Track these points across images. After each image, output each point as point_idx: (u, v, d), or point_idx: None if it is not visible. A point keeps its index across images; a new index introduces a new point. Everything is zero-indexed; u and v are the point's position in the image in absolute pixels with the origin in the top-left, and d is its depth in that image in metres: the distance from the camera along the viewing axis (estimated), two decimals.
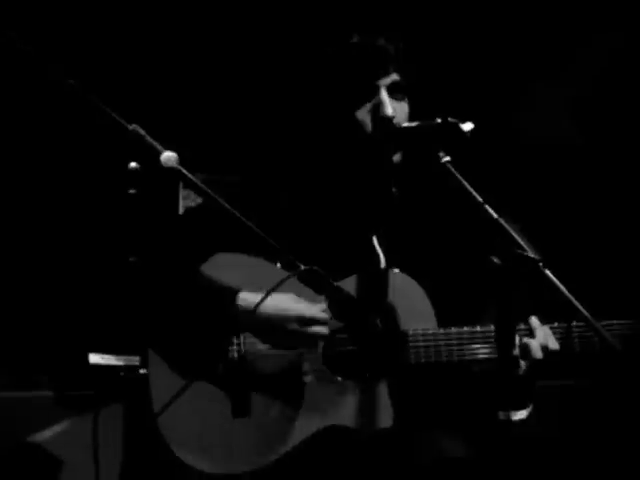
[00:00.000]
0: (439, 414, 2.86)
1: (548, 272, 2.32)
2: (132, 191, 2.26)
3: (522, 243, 2.36)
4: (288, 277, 2.40)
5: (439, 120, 2.56)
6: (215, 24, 4.07)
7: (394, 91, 2.84)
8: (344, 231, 2.90)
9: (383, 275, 2.84)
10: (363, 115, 2.83)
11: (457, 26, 4.26)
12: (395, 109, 2.81)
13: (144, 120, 2.29)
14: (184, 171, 2.25)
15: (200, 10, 4.06)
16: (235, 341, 2.74)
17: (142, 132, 2.25)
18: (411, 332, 2.78)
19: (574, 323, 2.80)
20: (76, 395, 3.48)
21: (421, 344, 2.77)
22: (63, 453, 3.37)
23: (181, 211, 3.27)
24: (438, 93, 3.83)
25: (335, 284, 2.42)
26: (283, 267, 2.62)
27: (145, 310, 2.67)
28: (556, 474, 3.80)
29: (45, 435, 3.40)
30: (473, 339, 2.79)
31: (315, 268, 2.36)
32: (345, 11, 4.00)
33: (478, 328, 2.80)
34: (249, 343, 2.74)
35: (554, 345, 2.77)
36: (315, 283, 2.38)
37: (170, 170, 2.23)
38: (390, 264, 2.88)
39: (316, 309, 2.66)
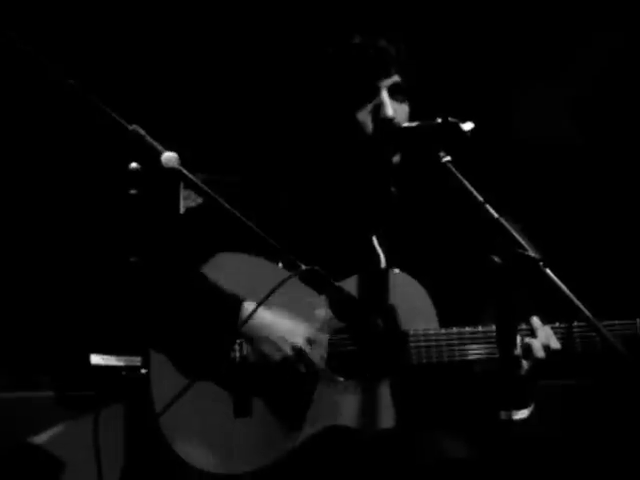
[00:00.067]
0: (441, 414, 2.86)
1: (549, 272, 2.32)
2: (133, 191, 2.26)
3: (523, 243, 2.36)
4: (289, 277, 2.39)
5: (439, 120, 2.56)
6: (215, 24, 4.07)
7: (395, 92, 2.84)
8: (344, 231, 2.90)
9: (384, 275, 2.84)
10: (364, 116, 2.83)
11: (457, 26, 4.26)
12: (396, 110, 2.81)
13: (144, 120, 2.28)
14: (185, 171, 2.24)
15: (200, 10, 4.06)
16: (237, 341, 2.74)
17: (142, 132, 2.25)
18: (412, 332, 2.78)
19: (575, 323, 2.79)
20: (77, 395, 3.47)
21: (422, 344, 2.77)
22: (64, 453, 3.37)
23: (182, 211, 3.27)
24: (438, 93, 3.83)
25: (336, 284, 2.42)
26: (285, 267, 2.62)
27: (146, 310, 2.67)
28: (558, 474, 3.80)
29: (45, 437, 3.39)
30: (474, 339, 2.79)
31: (316, 268, 2.35)
32: (346, 12, 3.99)
33: (479, 328, 2.80)
34: None
35: (556, 345, 2.77)
36: (316, 283, 2.37)
37: (171, 170, 2.23)
38: (391, 264, 2.88)
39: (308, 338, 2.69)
